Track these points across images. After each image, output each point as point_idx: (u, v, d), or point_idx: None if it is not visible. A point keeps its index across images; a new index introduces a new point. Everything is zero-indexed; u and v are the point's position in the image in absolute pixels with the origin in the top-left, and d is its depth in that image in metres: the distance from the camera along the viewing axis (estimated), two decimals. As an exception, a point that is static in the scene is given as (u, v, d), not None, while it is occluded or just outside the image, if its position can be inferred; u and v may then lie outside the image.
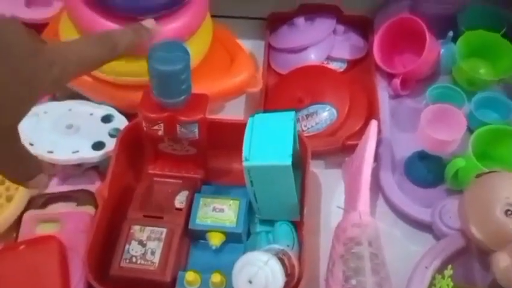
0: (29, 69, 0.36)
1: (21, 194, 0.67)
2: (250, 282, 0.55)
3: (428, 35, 0.74)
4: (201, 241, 0.64)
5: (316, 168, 0.72)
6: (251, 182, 0.61)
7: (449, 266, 0.55)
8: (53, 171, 0.45)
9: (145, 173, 0.69)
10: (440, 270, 0.57)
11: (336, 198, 0.70)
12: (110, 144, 0.68)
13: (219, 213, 0.63)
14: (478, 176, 0.59)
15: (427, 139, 0.66)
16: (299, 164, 0.65)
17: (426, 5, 0.82)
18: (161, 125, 0.63)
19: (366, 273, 0.55)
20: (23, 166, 0.43)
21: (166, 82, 0.58)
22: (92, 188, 0.69)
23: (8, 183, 0.71)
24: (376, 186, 0.69)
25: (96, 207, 0.66)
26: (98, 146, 0.69)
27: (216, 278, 0.58)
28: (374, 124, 0.67)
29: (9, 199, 0.69)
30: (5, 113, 0.36)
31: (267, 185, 0.61)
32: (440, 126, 0.66)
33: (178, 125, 0.63)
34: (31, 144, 0.69)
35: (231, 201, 0.64)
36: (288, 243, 0.63)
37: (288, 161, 0.57)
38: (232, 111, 0.77)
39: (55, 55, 0.38)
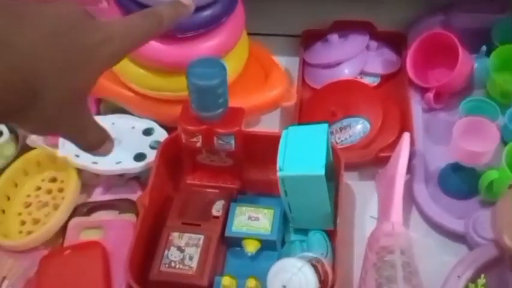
0: (91, 43, 0.40)
1: (67, 203, 0.71)
2: (284, 287, 0.57)
3: (460, 49, 0.75)
4: (237, 248, 0.66)
5: (350, 179, 0.73)
6: (285, 191, 0.63)
7: (482, 275, 0.55)
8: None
9: (184, 183, 0.71)
10: (473, 279, 0.58)
11: (370, 208, 0.71)
12: (151, 155, 0.72)
13: (254, 221, 0.65)
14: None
15: (460, 151, 0.67)
16: (333, 176, 0.67)
17: (458, 19, 0.84)
18: (200, 137, 0.66)
19: (398, 281, 0.56)
20: (93, 133, 0.46)
21: (204, 96, 0.61)
22: (134, 197, 0.72)
23: (54, 192, 0.76)
24: (410, 198, 0.70)
25: (137, 215, 0.69)
26: (139, 157, 0.72)
27: (251, 283, 0.60)
28: (406, 136, 0.68)
29: (56, 207, 0.73)
30: (73, 75, 0.39)
31: (301, 195, 0.62)
32: (473, 138, 0.67)
33: (215, 137, 0.66)
34: (77, 156, 0.73)
35: (266, 210, 0.66)
36: (322, 252, 0.64)
37: (322, 171, 0.59)
38: (268, 125, 0.80)
39: (113, 30, 0.42)
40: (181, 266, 0.61)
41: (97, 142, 0.46)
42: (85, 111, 0.44)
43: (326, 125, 0.63)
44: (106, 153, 0.48)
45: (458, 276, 0.58)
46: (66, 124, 0.42)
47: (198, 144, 0.67)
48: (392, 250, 0.59)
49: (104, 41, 0.41)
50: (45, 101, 0.38)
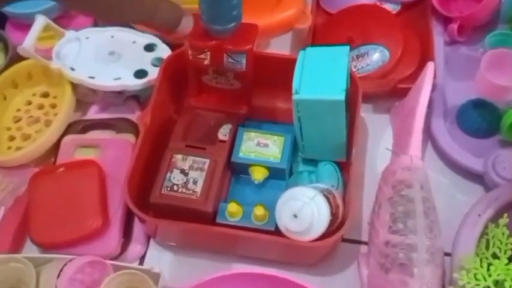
0: None
1: (60, 119, 0.66)
2: (295, 216, 0.53)
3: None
4: (242, 176, 0.62)
5: (363, 112, 0.69)
6: (299, 117, 0.58)
7: (505, 215, 0.52)
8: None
9: (187, 105, 0.67)
10: (494, 219, 0.55)
11: (383, 143, 0.68)
12: (153, 73, 0.67)
13: (263, 148, 0.61)
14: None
15: (486, 85, 0.63)
16: (348, 104, 0.62)
17: None
18: (208, 53, 0.60)
19: (417, 216, 0.52)
20: (170, 11, 0.48)
21: (217, 6, 0.55)
22: (132, 118, 0.68)
23: (46, 108, 0.70)
24: (426, 133, 0.66)
25: (136, 136, 0.65)
26: (140, 74, 0.67)
27: (259, 210, 0.56)
28: (430, 66, 0.63)
29: (47, 124, 0.68)
30: None
31: (316, 122, 0.58)
32: (500, 72, 0.63)
33: (225, 55, 0.60)
34: (72, 69, 0.67)
35: (276, 137, 0.62)
36: (333, 184, 0.61)
37: (342, 96, 0.55)
38: (278, 48, 0.74)
39: None
40: (184, 190, 0.58)
41: (172, 21, 0.48)
42: None
43: (347, 47, 0.58)
44: (185, 31, 0.50)
45: (479, 215, 0.55)
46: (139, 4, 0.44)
47: (206, 62, 0.61)
48: (410, 184, 0.55)
49: None
50: None
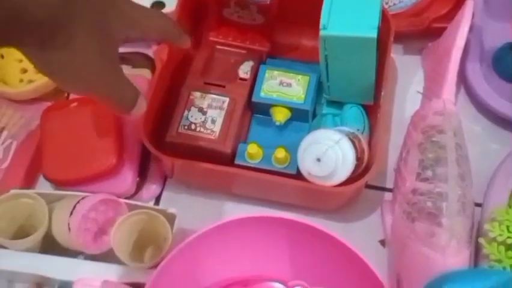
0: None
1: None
2: (318, 160, 0.51)
3: None
4: (263, 117, 0.59)
5: (393, 53, 0.65)
6: (325, 56, 0.54)
7: (542, 165, 0.49)
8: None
9: (206, 39, 0.63)
10: (529, 169, 0.52)
11: (413, 86, 0.64)
12: (170, 4, 0.63)
13: (286, 87, 0.58)
14: None
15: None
16: (378, 44, 0.58)
17: None
18: (230, -16, 0.56)
19: (449, 163, 0.49)
20: (127, 90, 0.45)
21: None
22: (149, 52, 0.64)
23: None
24: (459, 78, 0.62)
25: (153, 71, 0.62)
26: (157, 5, 0.63)
27: (280, 153, 0.53)
28: (469, 4, 0.58)
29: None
30: (103, 17, 0.40)
31: (344, 61, 0.54)
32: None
33: (248, -14, 0.56)
34: None
35: (300, 76, 0.58)
36: (358, 127, 0.57)
37: (374, 33, 0.51)
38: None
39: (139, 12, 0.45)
40: (202, 129, 0.55)
41: (131, 99, 0.45)
42: (116, 65, 0.43)
43: (381, -20, 0.54)
44: (139, 112, 0.47)
45: (515, 165, 0.52)
46: (97, 73, 0.41)
47: (228, -6, 0.57)
48: (442, 130, 0.52)
49: (134, 6, 0.44)
50: (75, 23, 0.37)
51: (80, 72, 0.40)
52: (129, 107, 0.45)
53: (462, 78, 0.63)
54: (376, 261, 0.48)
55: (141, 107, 0.46)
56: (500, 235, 0.46)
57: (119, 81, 0.44)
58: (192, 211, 0.59)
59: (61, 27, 0.36)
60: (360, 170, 0.54)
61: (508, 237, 0.46)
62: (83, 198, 0.52)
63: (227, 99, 0.56)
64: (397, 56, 0.66)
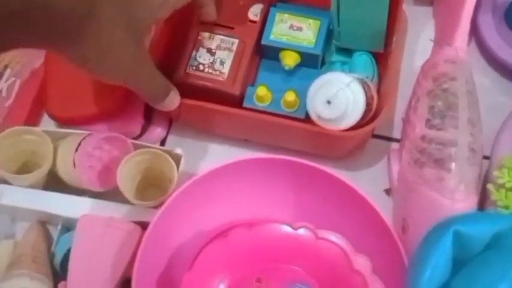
0: None
1: None
2: (328, 102, 0.50)
3: None
4: (272, 61, 0.58)
5: (404, 3, 0.63)
6: (337, 0, 0.53)
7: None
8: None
9: (215, -18, 0.61)
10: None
11: (423, 36, 0.63)
12: None
13: (296, 31, 0.56)
14: None
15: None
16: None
17: None
18: None
19: (460, 110, 0.49)
20: (157, 81, 0.47)
21: None
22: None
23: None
24: (471, 29, 0.61)
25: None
26: None
27: (290, 96, 0.53)
28: (485, -48, 0.57)
29: None
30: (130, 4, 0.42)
31: (355, 4, 0.53)
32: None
33: None
34: None
35: (311, 21, 0.57)
36: (368, 75, 0.57)
37: (388, -25, 0.50)
38: None
39: None
40: (210, 70, 0.54)
41: (161, 92, 0.48)
42: (143, 55, 0.45)
43: None
44: (171, 106, 0.50)
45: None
46: (126, 64, 0.43)
47: None
48: (453, 77, 0.51)
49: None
50: (101, 17, 0.38)
51: (111, 63, 0.42)
52: (160, 98, 0.49)
53: (473, 30, 0.62)
54: (381, 209, 0.48)
55: (173, 99, 0.50)
56: (509, 181, 0.46)
57: (149, 72, 0.46)
58: (198, 155, 0.59)
59: (88, 23, 0.38)
60: (369, 118, 0.53)
61: (517, 184, 0.46)
62: (88, 135, 0.52)
63: (236, 41, 0.55)
64: (408, 6, 0.64)
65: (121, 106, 0.55)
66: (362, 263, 0.47)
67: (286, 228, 0.48)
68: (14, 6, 0.33)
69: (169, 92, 0.49)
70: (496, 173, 0.47)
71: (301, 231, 0.48)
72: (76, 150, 0.51)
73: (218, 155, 0.59)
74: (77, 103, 0.55)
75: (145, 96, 0.49)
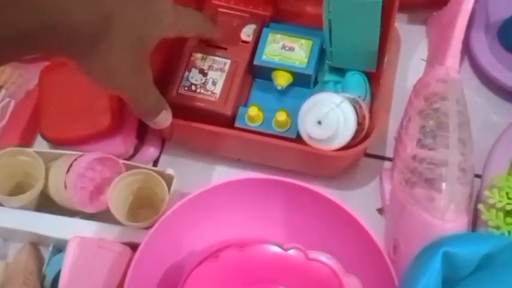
0: (161, 8, 0.47)
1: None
2: (319, 123, 0.50)
3: None
4: (264, 81, 0.58)
5: (397, 22, 0.64)
6: (329, 20, 0.54)
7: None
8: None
9: (209, 2, 0.61)
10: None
11: (416, 56, 0.63)
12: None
13: (288, 51, 0.57)
14: None
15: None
16: (383, 10, 0.57)
17: None
18: None
19: (451, 129, 0.49)
20: (152, 97, 0.48)
21: None
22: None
23: None
24: (464, 48, 0.61)
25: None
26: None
27: (282, 116, 0.53)
28: (476, -28, 0.57)
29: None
30: (142, 23, 0.44)
31: (347, 25, 0.53)
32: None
33: None
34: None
35: (303, 41, 0.57)
36: (360, 95, 0.57)
37: (378, -4, 0.50)
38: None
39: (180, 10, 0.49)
40: (202, 91, 0.54)
41: (155, 108, 0.49)
42: (146, 69, 0.46)
43: None
44: (163, 124, 0.50)
45: (516, 134, 0.52)
46: (128, 77, 0.44)
47: (231, -45, 0.56)
48: (444, 97, 0.51)
49: (170, 12, 0.47)
50: (114, 35, 0.41)
51: (114, 76, 0.44)
52: (153, 114, 0.49)
53: (466, 48, 0.62)
54: (373, 229, 0.48)
55: (164, 118, 0.50)
56: (500, 201, 0.46)
57: (147, 86, 0.47)
58: (191, 175, 0.59)
59: (103, 40, 0.40)
60: (361, 138, 0.53)
61: (508, 204, 0.46)
62: (80, 156, 0.52)
63: (228, 61, 0.55)
64: (401, 25, 0.64)
65: (114, 127, 0.55)
66: (352, 284, 0.47)
67: (277, 249, 0.48)
68: (32, 24, 0.35)
69: (162, 109, 0.50)
70: (486, 192, 0.47)
71: (291, 252, 0.48)
72: (68, 171, 0.51)
73: (211, 174, 0.59)
74: (71, 124, 0.55)
75: (139, 111, 0.49)
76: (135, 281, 0.46)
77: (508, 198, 0.46)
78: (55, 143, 0.57)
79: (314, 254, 0.48)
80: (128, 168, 0.53)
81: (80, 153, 0.52)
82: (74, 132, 0.55)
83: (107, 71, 0.43)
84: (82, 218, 0.54)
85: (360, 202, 0.57)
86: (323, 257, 0.48)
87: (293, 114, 0.54)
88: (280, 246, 0.49)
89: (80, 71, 0.43)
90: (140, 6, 0.43)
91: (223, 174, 0.58)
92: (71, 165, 0.51)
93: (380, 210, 0.57)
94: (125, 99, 0.48)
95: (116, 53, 0.42)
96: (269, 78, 0.57)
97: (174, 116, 0.54)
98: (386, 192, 0.54)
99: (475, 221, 0.50)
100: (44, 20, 0.36)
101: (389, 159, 0.58)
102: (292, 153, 0.53)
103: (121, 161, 0.53)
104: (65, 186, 0.51)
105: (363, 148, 0.51)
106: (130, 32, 0.42)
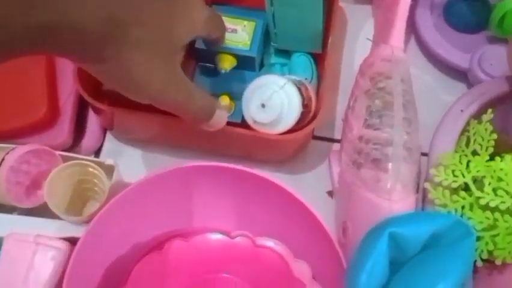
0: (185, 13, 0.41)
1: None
2: (263, 106, 0.49)
3: None
4: (208, 65, 0.56)
5: (343, 1, 0.63)
6: (271, 1, 0.52)
7: (489, 110, 0.48)
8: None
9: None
10: (477, 115, 0.51)
11: (362, 35, 0.62)
12: None
13: (231, 33, 0.55)
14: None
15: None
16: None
17: None
18: None
19: (395, 109, 0.48)
20: (194, 101, 0.43)
21: None
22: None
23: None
24: (410, 27, 0.61)
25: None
26: None
27: (225, 100, 0.51)
28: (419, -52, 0.57)
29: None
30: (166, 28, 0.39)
31: (290, 5, 0.52)
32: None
33: None
34: None
35: (246, 22, 0.56)
36: (306, 76, 0.56)
37: (319, -26, 0.49)
38: None
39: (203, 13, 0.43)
40: (141, 76, 0.52)
41: (206, 111, 0.44)
42: (180, 73, 0.42)
43: None
44: (220, 125, 0.46)
45: (461, 110, 0.51)
46: (163, 86, 0.40)
47: None
48: (389, 76, 0.50)
49: (200, 5, 0.42)
50: (129, 36, 0.36)
51: (137, 84, 0.39)
52: (204, 118, 0.45)
53: (412, 27, 0.61)
54: (325, 212, 0.47)
55: (220, 118, 0.46)
56: (446, 179, 0.46)
57: (186, 93, 0.42)
58: (134, 164, 0.57)
59: (107, 44, 0.36)
60: (308, 119, 0.52)
61: (453, 181, 0.45)
62: (12, 149, 0.49)
63: (168, 45, 0.53)
64: (347, 5, 0.64)
65: (49, 116, 0.52)
66: (301, 269, 0.46)
67: (223, 237, 0.47)
68: (34, 21, 0.31)
69: (214, 109, 0.45)
70: (432, 171, 0.47)
71: (238, 239, 0.47)
72: (0, 165, 0.48)
73: (156, 163, 0.57)
74: (2, 115, 0.52)
75: (189, 119, 0.44)
76: (76, 277, 0.44)
77: (454, 175, 0.46)
78: (-13, 136, 0.53)
79: (261, 241, 0.47)
80: (66, 160, 0.50)
81: (13, 146, 0.50)
82: (7, 125, 0.52)
83: (121, 76, 0.38)
84: (20, 214, 0.51)
85: (311, 185, 0.56)
86: (271, 243, 0.47)
87: (238, 98, 0.52)
88: (227, 234, 0.47)
89: (96, 77, 0.39)
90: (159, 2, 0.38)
91: (169, 163, 0.56)
92: (3, 159, 0.48)
93: (331, 193, 0.56)
94: (170, 110, 0.43)
95: (138, 58, 0.37)
96: (213, 62, 0.55)
97: (113, 103, 0.52)
98: (334, 174, 0.53)
99: (424, 200, 0.50)
100: (44, 15, 0.32)
101: (338, 141, 0.57)
102: (238, 138, 0.51)
103: (58, 153, 0.51)
104: (-2, 182, 0.48)
105: (310, 130, 0.50)
106: (147, 37, 0.37)
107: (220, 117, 0.46)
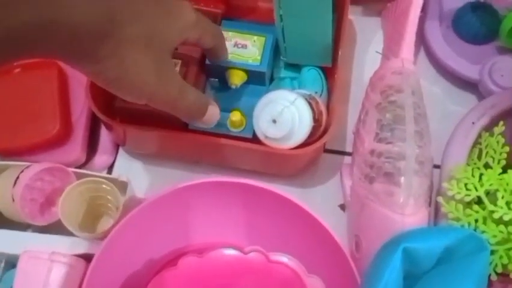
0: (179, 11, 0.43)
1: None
2: (274, 121, 0.49)
3: None
4: (218, 80, 0.57)
5: (352, 15, 0.63)
6: (280, 15, 0.52)
7: (501, 123, 0.48)
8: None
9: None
10: (488, 127, 0.51)
11: (372, 48, 0.62)
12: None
13: (241, 49, 0.55)
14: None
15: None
16: (335, 3, 0.56)
17: None
18: None
19: (407, 122, 0.48)
20: (188, 98, 0.44)
21: None
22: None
23: None
24: (419, 38, 0.61)
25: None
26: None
27: (236, 116, 0.51)
28: (428, -38, 0.57)
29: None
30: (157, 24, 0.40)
31: (300, 20, 0.52)
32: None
33: None
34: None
35: (256, 37, 0.56)
36: (317, 90, 0.56)
37: (328, -11, 0.49)
38: None
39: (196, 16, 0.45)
40: (153, 93, 0.52)
41: (199, 107, 0.45)
42: (173, 71, 0.43)
43: None
44: (214, 120, 0.47)
45: (473, 123, 0.51)
46: (155, 83, 0.41)
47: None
48: (400, 89, 0.50)
49: (189, 9, 0.44)
50: (122, 34, 0.37)
51: (133, 82, 0.39)
52: (197, 115, 0.45)
53: (421, 38, 0.62)
54: (336, 226, 0.47)
55: (213, 113, 0.46)
56: (458, 193, 0.45)
57: (178, 89, 0.43)
58: (147, 180, 0.57)
59: (102, 41, 0.36)
60: (319, 133, 0.52)
61: (466, 195, 0.45)
62: (27, 167, 0.49)
63: (179, 62, 0.53)
64: (356, 17, 0.64)
65: (62, 134, 0.53)
66: (314, 284, 0.46)
67: (237, 253, 0.47)
68: (25, 18, 0.31)
69: (207, 105, 0.46)
70: (445, 185, 0.46)
71: (252, 255, 0.47)
72: (15, 183, 0.48)
73: (168, 178, 0.57)
74: (16, 133, 0.53)
75: (182, 116, 0.45)
76: (91, 294, 0.44)
77: (467, 189, 0.46)
78: (1, 153, 0.54)
79: (275, 256, 0.47)
80: (80, 177, 0.51)
81: (27, 163, 0.50)
82: (20, 142, 0.52)
83: (117, 75, 0.38)
84: (34, 231, 0.52)
85: (322, 199, 0.57)
86: (284, 259, 0.47)
87: (249, 114, 0.52)
88: (241, 250, 0.47)
89: (92, 79, 0.39)
90: (151, 1, 0.40)
91: (181, 178, 0.57)
92: (18, 177, 0.49)
93: (342, 206, 0.56)
94: (165, 108, 0.44)
95: (133, 56, 0.38)
96: (223, 78, 0.56)
97: (126, 121, 0.52)
98: (346, 188, 0.53)
99: (437, 213, 0.50)
100: (38, 14, 0.31)
101: (349, 154, 0.57)
102: (250, 153, 0.52)
103: (71, 170, 0.51)
104: (13, 199, 0.48)
105: (321, 144, 0.51)
106: (141, 34, 0.38)
107: (213, 113, 0.47)
